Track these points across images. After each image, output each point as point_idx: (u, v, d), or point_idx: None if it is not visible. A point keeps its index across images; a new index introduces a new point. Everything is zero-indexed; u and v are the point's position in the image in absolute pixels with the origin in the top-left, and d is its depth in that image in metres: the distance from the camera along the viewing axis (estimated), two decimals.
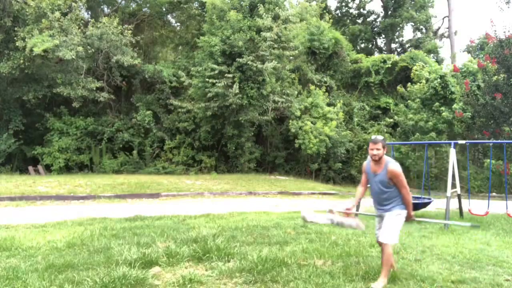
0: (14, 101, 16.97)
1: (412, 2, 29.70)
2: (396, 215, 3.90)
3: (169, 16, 23.24)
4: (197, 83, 16.79)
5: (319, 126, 17.13)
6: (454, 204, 8.67)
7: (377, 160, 3.90)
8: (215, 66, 16.00)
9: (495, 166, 14.83)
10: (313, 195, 13.80)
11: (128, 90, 19.44)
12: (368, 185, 4.25)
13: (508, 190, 12.26)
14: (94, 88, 16.46)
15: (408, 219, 4.01)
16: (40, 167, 17.19)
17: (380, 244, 4.02)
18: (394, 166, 3.85)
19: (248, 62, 15.71)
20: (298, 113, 17.73)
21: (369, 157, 4.06)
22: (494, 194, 14.70)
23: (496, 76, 15.28)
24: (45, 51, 14.43)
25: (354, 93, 21.89)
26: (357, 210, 4.00)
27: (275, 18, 16.85)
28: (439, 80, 17.32)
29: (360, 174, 17.30)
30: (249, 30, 16.52)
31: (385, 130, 19.37)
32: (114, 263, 4.23)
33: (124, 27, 17.35)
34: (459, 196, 8.52)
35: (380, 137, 3.92)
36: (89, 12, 20.91)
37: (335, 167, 18.33)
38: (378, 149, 3.85)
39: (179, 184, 13.55)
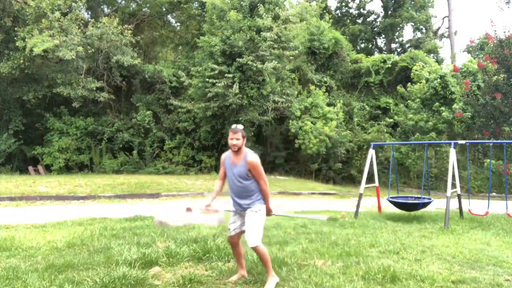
0: (14, 101, 16.98)
1: (412, 2, 29.68)
2: (256, 212, 3.83)
3: (169, 16, 23.27)
4: (197, 83, 16.79)
5: (319, 126, 17.13)
6: (454, 204, 8.67)
7: (237, 151, 3.82)
8: (215, 66, 16.00)
9: (495, 166, 14.83)
10: (313, 195, 13.80)
11: (128, 90, 19.45)
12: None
13: (508, 190, 12.25)
14: (94, 88, 16.47)
15: (268, 213, 3.97)
16: (40, 167, 17.20)
17: (231, 241, 3.97)
18: (253, 157, 3.80)
19: (248, 62, 15.71)
20: (298, 113, 17.73)
21: (229, 150, 3.97)
22: (494, 194, 14.69)
23: (496, 76, 15.27)
24: (45, 51, 14.44)
25: (354, 93, 21.88)
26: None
27: (275, 18, 16.85)
28: (439, 80, 17.32)
29: (359, 174, 17.39)
30: (249, 30, 16.52)
31: (385, 130, 19.36)
32: (114, 263, 4.23)
33: (124, 27, 17.36)
34: (459, 196, 8.51)
35: (240, 127, 3.85)
36: (89, 12, 20.93)
37: (335, 167, 18.33)
38: (237, 139, 3.77)
39: (179, 184, 13.55)
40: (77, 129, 17.85)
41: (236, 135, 3.77)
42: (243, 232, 3.88)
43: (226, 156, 3.96)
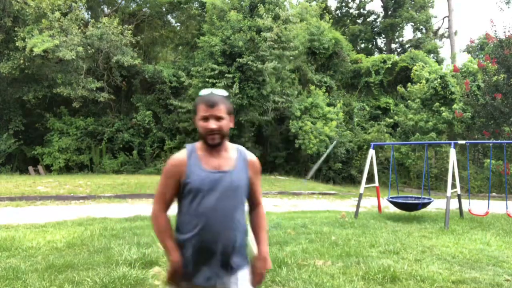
0: (14, 101, 16.97)
1: (412, 2, 29.73)
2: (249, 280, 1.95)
3: (169, 16, 23.26)
4: (197, 83, 16.79)
5: (319, 126, 17.14)
6: (454, 204, 8.67)
7: (218, 144, 1.87)
8: (215, 66, 16.01)
9: (495, 166, 14.82)
10: (313, 195, 13.79)
11: (128, 90, 19.45)
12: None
13: (508, 190, 12.25)
14: (94, 88, 16.46)
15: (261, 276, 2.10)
16: (40, 167, 17.19)
17: None
18: (253, 155, 2.05)
19: (248, 62, 15.71)
20: (298, 113, 17.74)
21: (186, 146, 1.95)
22: (494, 194, 14.69)
23: (496, 76, 15.27)
24: (45, 51, 14.44)
25: (354, 93, 21.89)
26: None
27: (275, 18, 16.85)
28: (439, 80, 17.32)
29: (359, 174, 17.40)
30: (249, 30, 16.53)
31: (385, 130, 19.38)
32: (114, 263, 4.23)
33: (124, 27, 17.35)
34: (459, 196, 8.52)
35: (221, 92, 1.90)
36: (89, 12, 20.92)
37: (335, 167, 18.34)
38: (218, 118, 1.83)
39: None
40: (77, 129, 17.84)
41: (215, 110, 1.83)
42: None
43: (190, 155, 1.88)
